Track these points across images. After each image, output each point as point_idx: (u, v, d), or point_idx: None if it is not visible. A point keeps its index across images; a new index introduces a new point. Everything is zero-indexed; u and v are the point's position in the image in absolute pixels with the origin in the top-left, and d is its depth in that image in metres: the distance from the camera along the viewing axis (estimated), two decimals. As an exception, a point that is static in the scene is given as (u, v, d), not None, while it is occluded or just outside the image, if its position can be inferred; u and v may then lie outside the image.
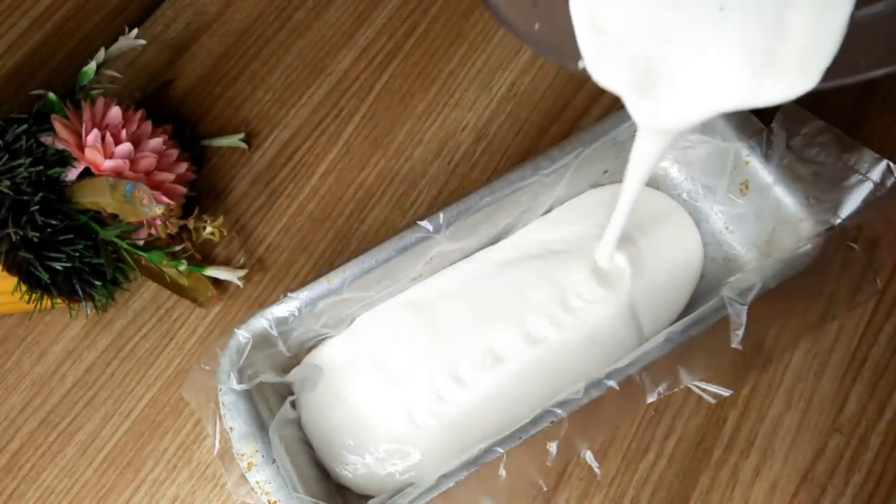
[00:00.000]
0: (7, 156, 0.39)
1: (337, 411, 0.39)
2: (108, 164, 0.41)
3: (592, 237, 0.41)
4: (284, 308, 0.37)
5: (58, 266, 0.39)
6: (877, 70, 0.25)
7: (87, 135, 0.41)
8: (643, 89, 0.26)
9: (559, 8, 0.25)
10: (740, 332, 0.33)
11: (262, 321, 0.36)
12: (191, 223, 0.44)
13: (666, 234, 0.42)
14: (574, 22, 0.25)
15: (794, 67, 0.24)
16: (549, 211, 0.43)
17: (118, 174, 0.41)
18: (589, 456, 0.37)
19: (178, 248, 0.43)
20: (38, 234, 0.38)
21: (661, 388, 0.35)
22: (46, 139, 0.40)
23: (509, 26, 0.26)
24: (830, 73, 0.24)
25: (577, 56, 0.26)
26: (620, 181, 0.35)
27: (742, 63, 0.25)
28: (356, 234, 0.46)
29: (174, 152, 0.45)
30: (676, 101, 0.26)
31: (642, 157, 0.31)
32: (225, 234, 0.46)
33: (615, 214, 0.36)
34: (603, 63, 0.26)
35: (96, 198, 0.40)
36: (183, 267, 0.42)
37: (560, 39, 0.26)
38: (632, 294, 0.40)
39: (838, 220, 0.35)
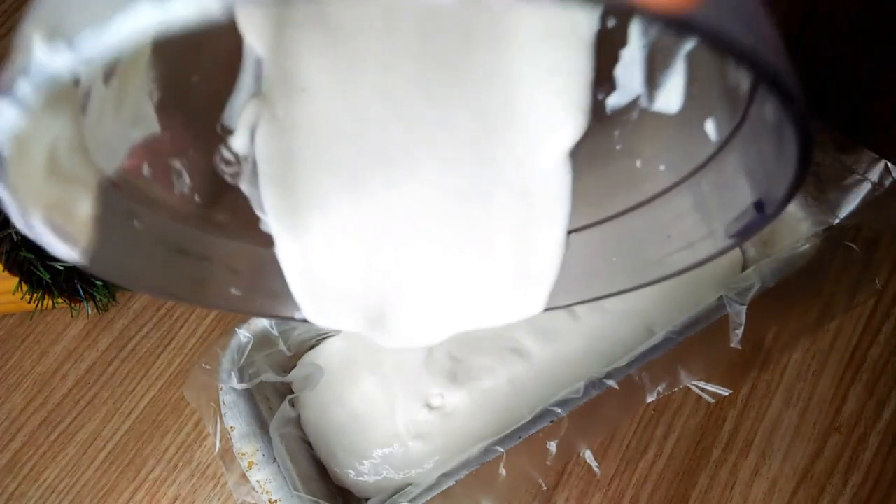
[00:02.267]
0: (8, 156, 0.39)
1: (336, 411, 0.39)
2: (109, 164, 0.41)
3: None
4: (285, 308, 0.37)
5: (59, 266, 0.39)
6: (601, 294, 0.25)
7: (88, 135, 0.41)
8: (374, 327, 0.25)
9: (263, 267, 0.24)
10: (739, 332, 0.33)
11: (263, 320, 0.36)
12: (191, 223, 0.44)
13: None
14: (286, 274, 0.23)
15: (525, 291, 0.24)
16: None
17: (119, 174, 0.41)
18: (588, 455, 0.37)
19: (178, 248, 0.43)
20: (39, 234, 0.38)
21: (660, 388, 0.35)
22: (47, 139, 0.41)
23: (184, 301, 0.23)
24: (558, 296, 0.24)
25: (293, 310, 0.24)
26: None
27: (469, 293, 0.25)
28: (356, 234, 0.46)
29: (175, 152, 0.45)
30: (409, 329, 0.26)
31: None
32: (225, 234, 0.46)
33: None
34: (327, 314, 0.25)
35: (97, 198, 0.40)
36: (184, 267, 0.42)
37: (269, 295, 0.24)
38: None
39: (837, 220, 0.35)
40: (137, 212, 0.19)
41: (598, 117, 0.22)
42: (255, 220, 0.22)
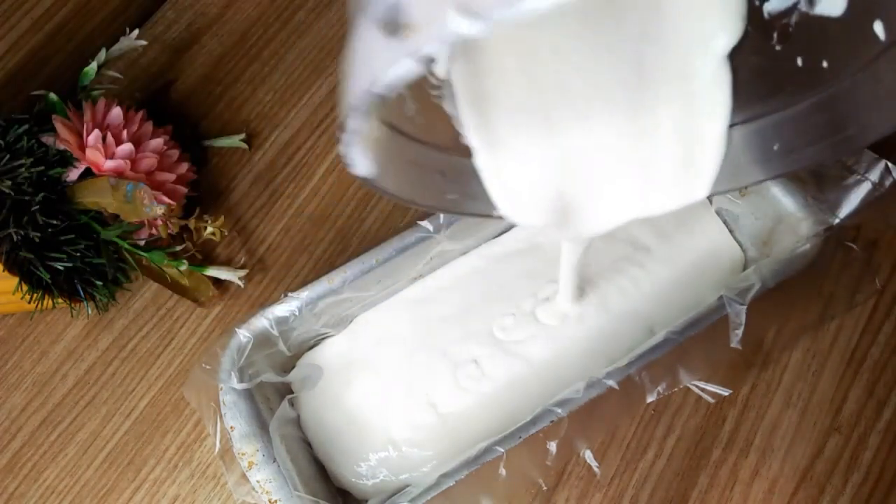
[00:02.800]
0: (8, 156, 0.39)
1: (335, 412, 0.39)
2: (109, 164, 0.41)
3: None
4: (285, 308, 0.37)
5: (59, 266, 0.39)
6: (759, 177, 0.28)
7: (88, 135, 0.41)
8: (559, 221, 0.28)
9: (466, 172, 0.27)
10: (739, 332, 0.33)
11: (263, 321, 0.36)
12: (192, 223, 0.44)
13: (687, 231, 0.42)
14: (484, 180, 0.27)
15: (690, 180, 0.27)
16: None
17: (119, 174, 0.41)
18: (588, 455, 0.37)
19: (178, 248, 0.43)
20: (39, 234, 0.38)
21: (660, 388, 0.35)
22: (48, 139, 0.41)
23: (424, 206, 0.27)
24: (722, 181, 0.27)
25: (492, 209, 0.28)
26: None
27: (641, 183, 0.28)
28: (356, 234, 0.46)
29: (175, 153, 0.45)
30: (589, 221, 0.29)
31: (569, 254, 0.34)
32: (226, 234, 0.46)
33: (562, 273, 0.36)
34: (520, 212, 0.28)
35: (97, 198, 0.40)
36: (184, 267, 0.42)
37: (472, 197, 0.28)
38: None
39: (837, 220, 0.35)
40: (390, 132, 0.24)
41: (756, 22, 0.24)
42: (457, 135, 0.26)
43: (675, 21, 0.24)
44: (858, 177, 0.36)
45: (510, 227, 0.42)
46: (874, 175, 0.35)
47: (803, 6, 0.23)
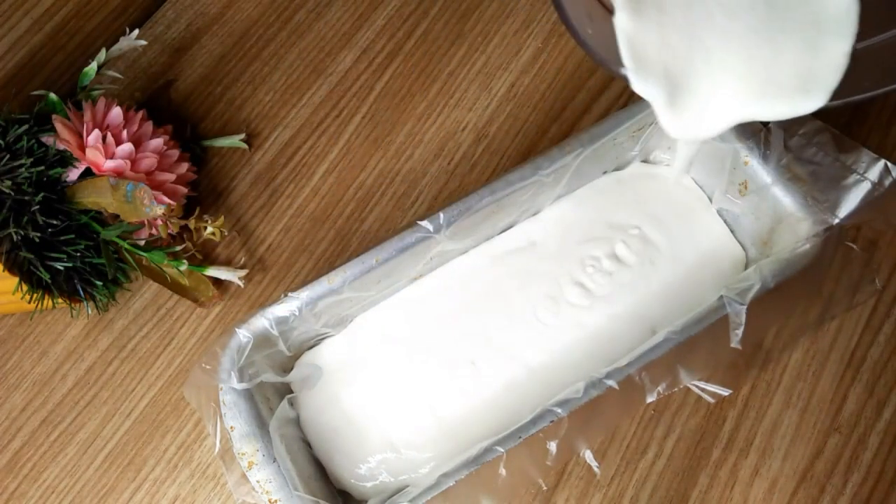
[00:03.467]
0: (8, 156, 0.39)
1: (334, 412, 0.39)
2: (109, 164, 0.41)
3: (592, 228, 0.41)
4: (285, 308, 0.37)
5: (59, 266, 0.39)
6: (879, 90, 0.29)
7: (88, 135, 0.41)
8: (670, 98, 0.30)
9: (607, 24, 0.30)
10: (740, 332, 0.33)
11: (263, 321, 0.36)
12: (192, 223, 0.44)
13: (689, 230, 0.42)
14: (619, 40, 0.30)
15: (806, 89, 0.29)
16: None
17: (119, 174, 0.41)
18: (588, 455, 0.37)
19: (178, 248, 0.43)
20: (39, 234, 0.38)
21: (660, 388, 0.35)
22: (48, 139, 0.41)
23: (568, 26, 0.31)
24: (838, 94, 0.29)
25: (620, 63, 0.30)
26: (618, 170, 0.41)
27: (760, 82, 0.29)
28: (356, 234, 0.46)
29: (175, 152, 0.45)
30: (700, 112, 0.31)
31: (684, 150, 0.37)
32: (226, 234, 0.46)
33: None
34: (641, 74, 0.30)
35: (97, 198, 0.40)
36: (184, 267, 0.42)
37: (607, 48, 0.31)
38: (640, 290, 0.40)
39: (837, 220, 0.35)
40: None
41: None
42: None
43: None
44: (858, 176, 0.36)
45: (510, 226, 0.42)
46: (874, 175, 0.36)
47: None
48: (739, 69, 0.29)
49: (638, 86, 0.30)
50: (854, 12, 0.28)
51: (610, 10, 0.30)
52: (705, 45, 0.30)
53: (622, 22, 0.30)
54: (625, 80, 0.31)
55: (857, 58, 0.28)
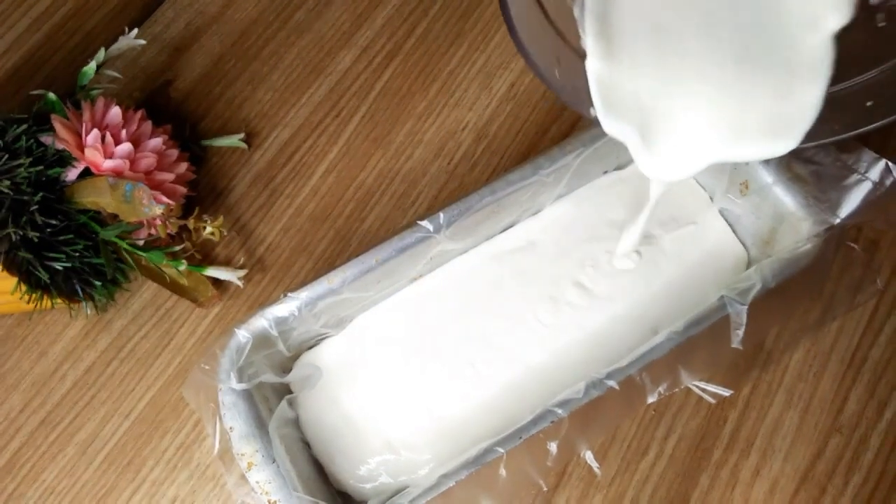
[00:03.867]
0: (7, 156, 0.39)
1: (333, 413, 0.39)
2: (108, 164, 0.41)
3: (593, 227, 0.41)
4: (284, 308, 0.36)
5: (58, 266, 0.39)
6: (849, 133, 0.30)
7: (87, 135, 0.41)
8: (642, 140, 0.31)
9: (577, 68, 0.30)
10: (741, 332, 0.33)
11: (262, 321, 0.36)
12: (191, 223, 0.44)
13: (691, 229, 0.42)
14: (590, 84, 0.30)
15: (777, 133, 0.29)
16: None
17: (118, 174, 0.41)
18: (589, 456, 0.37)
19: (178, 248, 0.43)
20: (37, 234, 0.38)
21: (661, 388, 0.35)
22: (46, 139, 0.41)
23: (535, 69, 0.31)
24: (808, 137, 0.29)
25: (590, 105, 0.31)
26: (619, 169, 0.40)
27: (731, 127, 0.30)
28: (356, 234, 0.46)
29: (174, 152, 0.45)
30: (673, 154, 0.31)
31: (654, 193, 0.36)
32: (225, 234, 0.46)
33: (638, 219, 0.38)
34: (612, 116, 0.31)
35: (96, 198, 0.40)
36: (183, 267, 0.42)
37: (575, 90, 0.31)
38: (643, 291, 0.40)
39: (838, 220, 0.35)
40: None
41: (864, 7, 0.27)
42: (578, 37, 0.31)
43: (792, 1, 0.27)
44: (859, 176, 0.36)
45: (510, 226, 0.42)
46: (875, 174, 0.35)
47: None
48: (711, 114, 0.30)
49: (609, 127, 0.31)
50: (828, 58, 0.28)
51: (580, 55, 0.30)
52: (677, 90, 0.30)
53: (594, 67, 0.30)
54: (595, 121, 0.31)
55: (828, 102, 0.29)
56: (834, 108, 0.29)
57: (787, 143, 0.29)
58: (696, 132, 0.30)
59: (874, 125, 0.29)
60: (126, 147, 0.41)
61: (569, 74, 0.32)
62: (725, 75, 0.29)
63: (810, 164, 0.37)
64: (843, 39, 0.28)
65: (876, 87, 0.30)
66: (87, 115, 0.42)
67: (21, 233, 0.38)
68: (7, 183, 0.38)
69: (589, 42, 0.30)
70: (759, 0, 0.28)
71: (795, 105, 0.29)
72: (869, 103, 0.29)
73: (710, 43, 0.29)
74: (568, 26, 0.31)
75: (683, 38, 0.29)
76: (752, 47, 0.29)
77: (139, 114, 0.44)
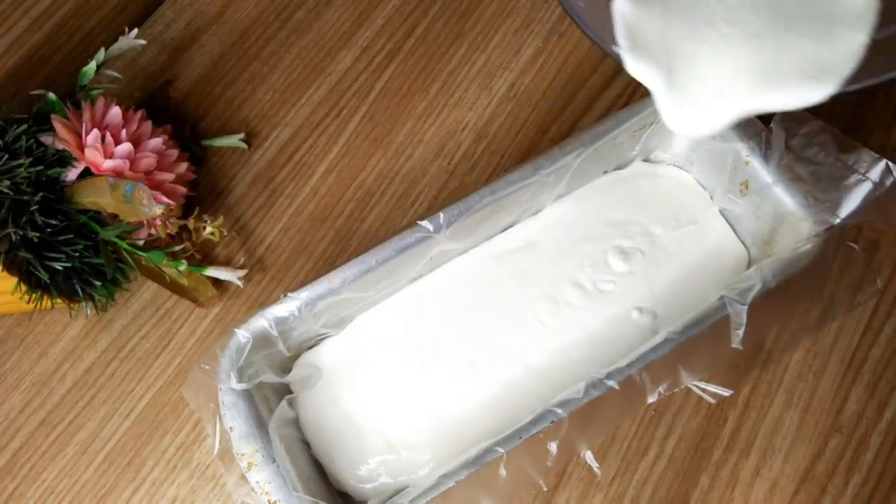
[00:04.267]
0: (7, 156, 0.39)
1: (333, 413, 0.39)
2: (107, 164, 0.41)
3: (592, 227, 0.41)
4: (284, 308, 0.36)
5: (58, 266, 0.39)
6: (890, 73, 0.28)
7: (87, 135, 0.41)
8: (673, 86, 0.29)
9: (601, 5, 0.29)
10: (741, 332, 0.33)
11: (262, 321, 0.36)
12: (191, 223, 0.44)
13: (692, 228, 0.42)
14: (615, 21, 0.29)
15: (818, 78, 0.28)
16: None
17: (118, 174, 0.41)
18: (589, 456, 0.37)
19: (178, 248, 0.43)
20: (37, 234, 0.38)
21: (661, 388, 0.35)
22: (46, 139, 0.41)
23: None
24: (850, 80, 0.27)
25: (614, 42, 0.29)
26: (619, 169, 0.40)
27: (769, 71, 0.28)
28: (356, 234, 0.46)
29: (174, 152, 0.45)
30: (703, 102, 0.29)
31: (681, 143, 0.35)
32: (225, 233, 0.46)
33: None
34: (637, 55, 0.29)
35: (96, 198, 0.40)
36: (183, 267, 0.42)
37: (600, 21, 0.29)
38: (641, 291, 0.40)
39: (838, 220, 0.35)
40: None
41: None
42: None
43: None
44: (859, 176, 0.36)
45: (510, 226, 0.42)
46: (875, 174, 0.35)
47: None
48: (746, 57, 0.28)
49: (633, 67, 0.29)
50: (874, 5, 0.27)
51: None
52: (710, 32, 0.28)
53: (621, 5, 0.28)
54: (618, 59, 0.29)
55: (871, 45, 0.27)
56: (875, 50, 0.27)
57: (828, 88, 0.28)
58: (729, 77, 0.28)
59: None
60: (126, 147, 0.41)
61: (599, 13, 0.30)
62: (761, 21, 0.27)
63: (810, 164, 0.37)
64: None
65: None
66: (87, 115, 0.42)
67: (21, 233, 0.38)
68: (7, 183, 0.38)
69: None
70: None
71: (839, 50, 0.27)
72: None
73: None
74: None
75: None
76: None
77: (139, 114, 0.44)
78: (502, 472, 0.33)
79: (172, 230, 0.43)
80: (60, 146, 0.40)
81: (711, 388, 0.36)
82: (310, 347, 0.41)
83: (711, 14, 0.28)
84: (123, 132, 0.42)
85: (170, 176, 0.43)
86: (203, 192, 0.48)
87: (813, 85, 0.28)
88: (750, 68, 0.28)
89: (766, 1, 0.27)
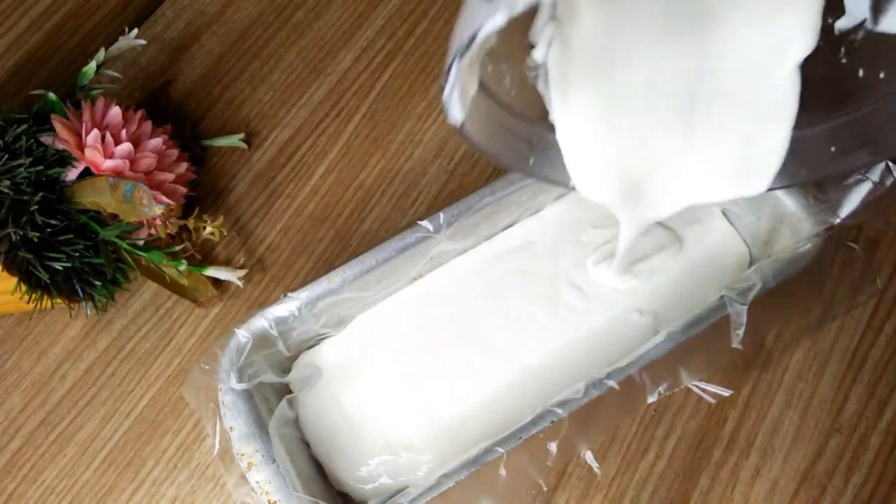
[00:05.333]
0: (7, 156, 0.39)
1: (333, 413, 0.39)
2: (108, 164, 0.41)
3: (590, 228, 0.41)
4: (284, 308, 0.36)
5: (58, 266, 0.39)
6: (814, 176, 0.31)
7: (87, 135, 0.41)
8: (623, 201, 0.32)
9: (551, 150, 0.31)
10: (741, 332, 0.33)
11: (262, 321, 0.36)
12: (191, 223, 0.44)
13: (695, 226, 0.42)
14: (567, 162, 0.31)
15: (750, 177, 0.30)
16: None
17: (118, 174, 0.41)
18: (589, 456, 0.37)
19: (178, 248, 0.43)
20: (38, 234, 0.38)
21: (661, 388, 0.35)
22: (46, 139, 0.41)
23: (505, 165, 0.32)
24: (777, 179, 0.30)
25: (567, 180, 0.32)
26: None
27: (702, 174, 0.31)
28: (356, 234, 0.46)
29: (174, 152, 0.45)
30: (652, 204, 0.32)
31: (628, 233, 0.35)
32: (225, 234, 0.46)
33: (619, 248, 0.37)
34: (592, 188, 0.32)
35: (96, 198, 0.40)
36: (183, 267, 0.42)
37: (553, 169, 0.32)
38: (639, 292, 0.40)
39: (838, 220, 0.35)
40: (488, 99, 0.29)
41: (827, 38, 0.27)
42: (546, 112, 0.31)
43: (754, 27, 0.27)
44: (859, 176, 0.36)
45: (509, 225, 0.42)
46: (875, 175, 0.35)
47: (869, 24, 0.27)
48: (682, 164, 0.30)
49: (591, 196, 0.32)
50: (793, 93, 0.28)
51: (551, 131, 0.31)
52: (643, 147, 0.31)
53: (565, 137, 0.30)
54: (574, 189, 0.32)
55: (794, 146, 0.29)
56: (800, 150, 0.29)
57: (758, 185, 0.30)
58: (670, 184, 0.31)
59: (839, 170, 0.30)
60: (126, 147, 0.41)
61: (542, 154, 0.32)
62: (688, 120, 0.30)
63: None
64: (806, 74, 0.28)
65: (840, 131, 0.30)
66: (87, 115, 0.42)
67: (21, 233, 0.38)
68: (7, 183, 0.38)
69: (555, 115, 0.30)
70: (721, 42, 0.28)
71: (763, 147, 0.29)
72: (833, 148, 0.30)
73: (668, 93, 0.29)
74: (530, 104, 0.31)
75: (643, 89, 0.29)
76: (717, 94, 0.29)
77: (139, 114, 0.44)
78: (502, 472, 0.33)
79: (172, 230, 0.43)
80: (60, 146, 0.40)
81: (711, 388, 0.36)
82: (310, 347, 0.41)
83: (648, 129, 0.30)
84: (123, 132, 0.42)
85: (170, 176, 0.43)
86: (203, 192, 0.48)
87: (744, 184, 0.30)
88: (690, 174, 0.31)
89: (695, 102, 0.29)
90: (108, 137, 0.41)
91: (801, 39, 0.27)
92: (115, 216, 0.41)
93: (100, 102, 0.43)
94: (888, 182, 0.35)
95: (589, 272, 0.40)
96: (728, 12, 0.27)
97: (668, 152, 0.30)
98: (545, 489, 0.38)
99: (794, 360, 0.40)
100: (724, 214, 0.42)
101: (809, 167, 0.30)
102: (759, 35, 0.27)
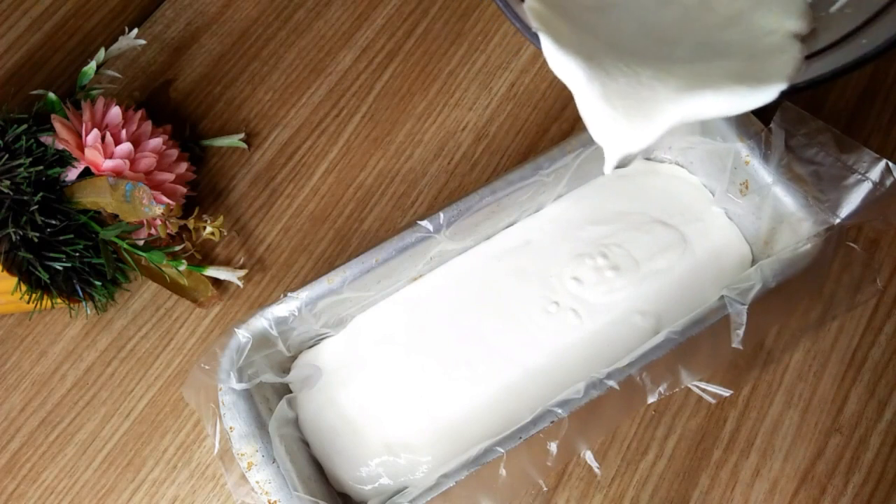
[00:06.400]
0: (7, 156, 0.39)
1: (332, 413, 0.38)
2: (108, 163, 0.41)
3: (590, 226, 0.41)
4: (284, 308, 0.37)
5: (58, 266, 0.39)
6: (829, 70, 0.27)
7: (87, 135, 0.41)
8: (592, 75, 0.28)
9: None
10: (741, 332, 0.33)
11: (262, 321, 0.36)
12: (191, 223, 0.44)
13: (697, 226, 0.41)
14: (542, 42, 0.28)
15: (755, 79, 0.27)
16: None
17: (118, 174, 0.41)
18: (589, 456, 0.37)
19: (178, 248, 0.43)
20: (38, 234, 0.38)
21: (661, 388, 0.35)
22: (46, 139, 0.41)
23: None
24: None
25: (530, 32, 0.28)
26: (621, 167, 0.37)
27: (698, 70, 0.27)
28: (356, 234, 0.46)
29: (174, 152, 0.45)
30: (629, 97, 0.28)
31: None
32: (225, 233, 0.46)
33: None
34: (556, 42, 0.28)
35: (96, 198, 0.40)
36: (183, 267, 0.42)
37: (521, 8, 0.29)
38: (637, 290, 0.40)
39: (838, 220, 0.35)
40: None
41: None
42: None
43: None
44: (859, 176, 0.36)
45: (510, 226, 0.42)
46: (875, 175, 0.35)
47: None
48: (677, 53, 0.27)
49: (553, 54, 0.28)
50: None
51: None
52: (637, 28, 0.28)
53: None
54: (537, 45, 0.28)
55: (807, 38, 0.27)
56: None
57: (769, 92, 0.27)
58: (656, 73, 0.27)
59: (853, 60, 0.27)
60: (126, 147, 0.41)
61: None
62: (693, 21, 0.27)
63: (810, 165, 0.37)
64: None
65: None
66: (87, 115, 0.42)
67: (21, 233, 0.38)
68: (7, 183, 0.38)
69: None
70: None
71: (773, 48, 0.27)
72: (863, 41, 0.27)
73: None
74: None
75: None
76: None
77: (139, 114, 0.44)
78: (502, 472, 0.33)
79: (172, 230, 0.43)
80: (60, 146, 0.40)
81: (711, 388, 0.36)
82: (309, 347, 0.41)
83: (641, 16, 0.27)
84: (123, 132, 0.42)
85: (170, 176, 0.43)
86: (203, 192, 0.48)
87: (747, 89, 0.27)
88: (681, 66, 0.27)
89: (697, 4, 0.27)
90: (108, 137, 0.41)
91: (797, 21, 0.26)
92: (115, 216, 0.41)
93: (100, 102, 0.43)
94: (888, 182, 0.35)
95: (583, 285, 0.40)
96: None
97: (663, 39, 0.27)
98: (545, 489, 0.38)
99: (794, 360, 0.40)
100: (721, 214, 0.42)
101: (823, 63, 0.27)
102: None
